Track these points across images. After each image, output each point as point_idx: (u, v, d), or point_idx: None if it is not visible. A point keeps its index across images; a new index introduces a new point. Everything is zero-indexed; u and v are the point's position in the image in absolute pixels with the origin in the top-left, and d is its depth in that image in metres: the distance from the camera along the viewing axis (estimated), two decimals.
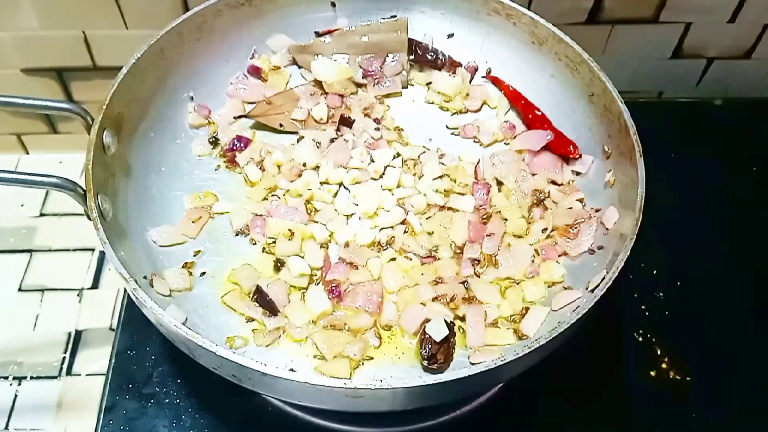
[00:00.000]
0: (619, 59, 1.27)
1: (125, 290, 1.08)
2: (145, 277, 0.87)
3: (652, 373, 1.03)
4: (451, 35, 1.13)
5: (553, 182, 1.03)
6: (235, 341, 0.87)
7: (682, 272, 1.12)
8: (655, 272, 1.12)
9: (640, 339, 1.06)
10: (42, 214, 1.21)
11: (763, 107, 1.37)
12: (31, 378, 1.03)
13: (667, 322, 1.07)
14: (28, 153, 1.30)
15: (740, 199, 1.22)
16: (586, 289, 0.87)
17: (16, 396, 1.02)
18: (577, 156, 1.03)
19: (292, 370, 0.72)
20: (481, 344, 0.86)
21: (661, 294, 1.10)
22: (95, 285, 1.13)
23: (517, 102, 1.09)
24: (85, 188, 0.82)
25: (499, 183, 1.03)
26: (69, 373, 1.04)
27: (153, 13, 1.09)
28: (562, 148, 1.04)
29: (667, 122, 1.30)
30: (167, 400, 0.97)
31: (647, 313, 1.08)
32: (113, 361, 1.01)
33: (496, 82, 1.12)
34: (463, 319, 0.89)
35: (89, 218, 0.82)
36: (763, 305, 1.11)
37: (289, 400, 0.76)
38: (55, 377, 1.03)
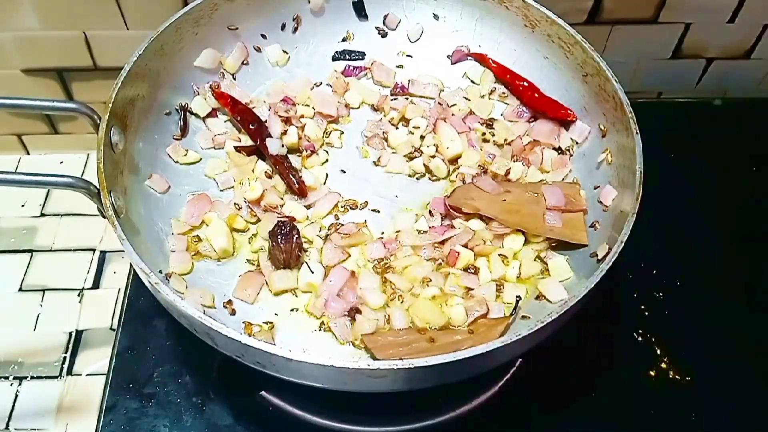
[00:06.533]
0: (618, 59, 1.27)
1: (126, 290, 1.08)
2: (160, 272, 0.89)
3: (652, 373, 1.03)
4: (436, 16, 1.14)
5: (553, 148, 1.06)
6: (253, 328, 0.88)
7: (682, 272, 1.12)
8: (655, 272, 1.12)
9: (640, 339, 1.06)
10: (43, 214, 1.21)
11: (763, 107, 1.37)
12: (32, 378, 1.03)
13: (667, 322, 1.08)
14: (28, 153, 1.30)
15: (740, 199, 1.23)
16: (597, 261, 0.89)
17: (16, 396, 1.02)
18: (573, 118, 1.05)
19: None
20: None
21: (661, 294, 1.10)
22: (96, 285, 1.13)
23: (503, 75, 1.11)
24: (98, 186, 0.84)
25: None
26: (70, 373, 1.04)
27: (153, 13, 1.09)
28: (557, 113, 1.06)
29: (666, 122, 1.30)
30: (168, 400, 0.97)
31: (647, 313, 1.08)
32: (114, 361, 1.01)
33: (479, 58, 1.14)
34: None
35: (104, 216, 0.83)
36: (762, 305, 1.11)
37: (313, 384, 0.79)
38: (55, 377, 1.03)
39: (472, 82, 1.14)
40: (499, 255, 0.96)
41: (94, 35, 1.13)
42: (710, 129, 1.32)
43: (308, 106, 1.10)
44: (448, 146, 1.06)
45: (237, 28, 1.08)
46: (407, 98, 1.13)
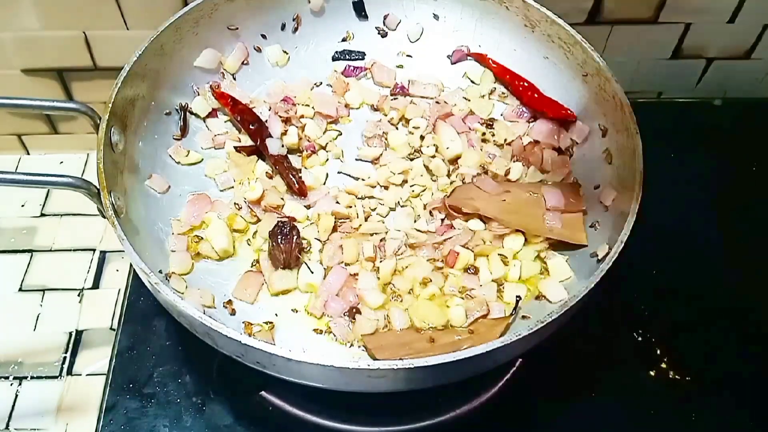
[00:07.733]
0: (618, 59, 1.27)
1: (126, 290, 1.08)
2: (160, 272, 0.89)
3: (652, 373, 1.03)
4: (436, 16, 1.14)
5: (553, 148, 1.06)
6: (253, 328, 0.88)
7: (682, 272, 1.12)
8: (655, 272, 1.12)
9: (640, 339, 1.06)
10: (43, 214, 1.21)
11: (763, 107, 1.37)
12: (32, 378, 1.03)
13: (667, 322, 1.08)
14: (28, 153, 1.30)
15: (740, 199, 1.22)
16: (597, 261, 0.89)
17: (16, 396, 1.02)
18: (573, 118, 1.05)
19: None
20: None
21: (661, 294, 1.10)
22: (96, 285, 1.13)
23: (503, 75, 1.12)
24: (98, 186, 0.84)
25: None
26: (69, 373, 1.04)
27: (153, 13, 1.09)
28: (557, 113, 1.06)
29: (666, 122, 1.30)
30: (168, 400, 0.97)
31: (647, 313, 1.08)
32: (114, 361, 1.01)
33: (479, 58, 1.14)
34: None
35: (103, 216, 0.83)
36: (762, 305, 1.11)
37: (313, 384, 0.79)
38: (55, 377, 1.03)
39: (472, 82, 1.14)
40: (499, 255, 0.96)
41: (94, 35, 1.13)
42: (710, 129, 1.32)
43: (308, 106, 1.10)
44: (448, 146, 1.06)
45: (237, 28, 1.09)
46: (407, 98, 1.13)
